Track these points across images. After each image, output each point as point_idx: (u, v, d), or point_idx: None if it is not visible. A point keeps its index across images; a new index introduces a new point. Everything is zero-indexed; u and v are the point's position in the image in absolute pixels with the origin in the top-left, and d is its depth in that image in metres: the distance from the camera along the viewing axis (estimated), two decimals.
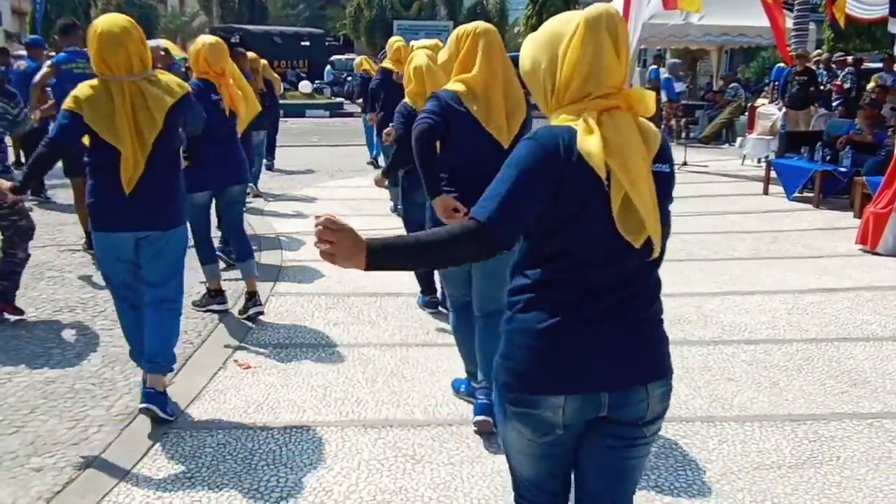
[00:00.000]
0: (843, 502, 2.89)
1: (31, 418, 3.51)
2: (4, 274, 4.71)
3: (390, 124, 6.74)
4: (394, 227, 6.60)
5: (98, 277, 5.53)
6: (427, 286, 5.01)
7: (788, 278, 5.82)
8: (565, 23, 1.71)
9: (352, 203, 8.56)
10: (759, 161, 11.57)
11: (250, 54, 8.31)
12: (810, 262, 6.30)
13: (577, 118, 1.67)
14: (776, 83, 13.32)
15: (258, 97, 6.23)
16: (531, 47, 1.77)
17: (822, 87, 12.62)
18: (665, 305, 1.81)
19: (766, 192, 9.51)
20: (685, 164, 11.42)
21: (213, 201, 4.94)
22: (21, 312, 4.80)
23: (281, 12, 44.68)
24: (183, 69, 8.86)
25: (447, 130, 3.18)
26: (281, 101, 11.10)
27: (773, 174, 9.47)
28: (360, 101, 11.68)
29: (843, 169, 8.51)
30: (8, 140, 5.45)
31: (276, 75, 10.51)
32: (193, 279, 4.94)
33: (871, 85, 11.66)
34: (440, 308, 4.89)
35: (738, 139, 13.74)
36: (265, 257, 6.35)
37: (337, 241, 1.55)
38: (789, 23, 12.08)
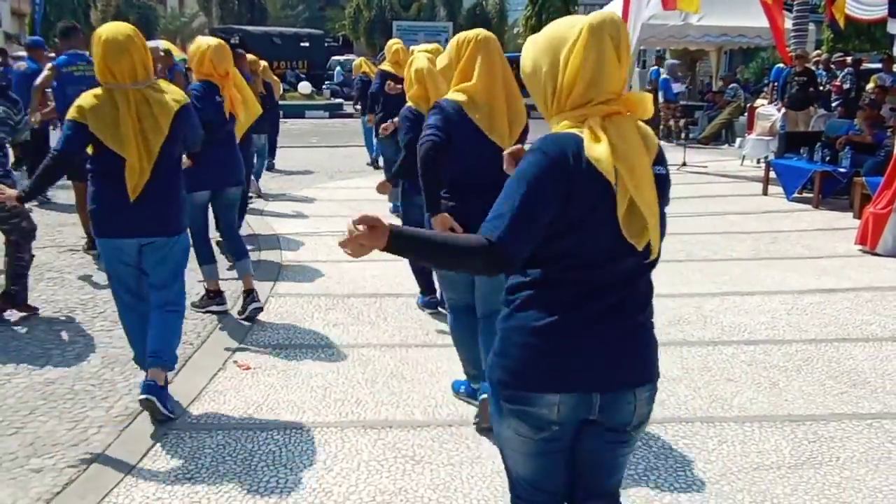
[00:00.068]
0: (843, 503, 2.89)
1: (31, 419, 3.51)
2: (16, 278, 4.78)
3: (390, 119, 6.83)
4: None
5: (98, 278, 5.55)
6: (427, 286, 5.01)
7: (788, 279, 5.82)
8: (568, 28, 1.72)
9: (351, 204, 8.56)
10: (758, 162, 11.57)
11: (250, 56, 8.30)
12: (810, 263, 6.31)
13: (579, 125, 1.68)
14: (775, 84, 13.33)
15: (258, 100, 6.22)
16: (533, 50, 1.77)
17: (821, 88, 12.63)
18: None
19: (765, 193, 9.51)
20: (684, 164, 11.43)
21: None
22: (35, 310, 4.87)
23: (280, 13, 44.67)
24: (184, 70, 8.85)
25: (450, 142, 3.20)
26: (280, 102, 11.09)
27: (772, 175, 9.48)
28: (359, 105, 11.66)
29: (842, 169, 8.51)
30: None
31: (275, 78, 10.50)
32: (192, 279, 4.93)
33: (870, 85, 11.68)
34: (440, 308, 4.89)
35: (738, 140, 13.75)
36: (265, 257, 6.35)
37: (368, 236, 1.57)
38: (788, 23, 12.09)
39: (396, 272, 5.54)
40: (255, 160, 8.32)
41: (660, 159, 1.76)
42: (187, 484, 2.98)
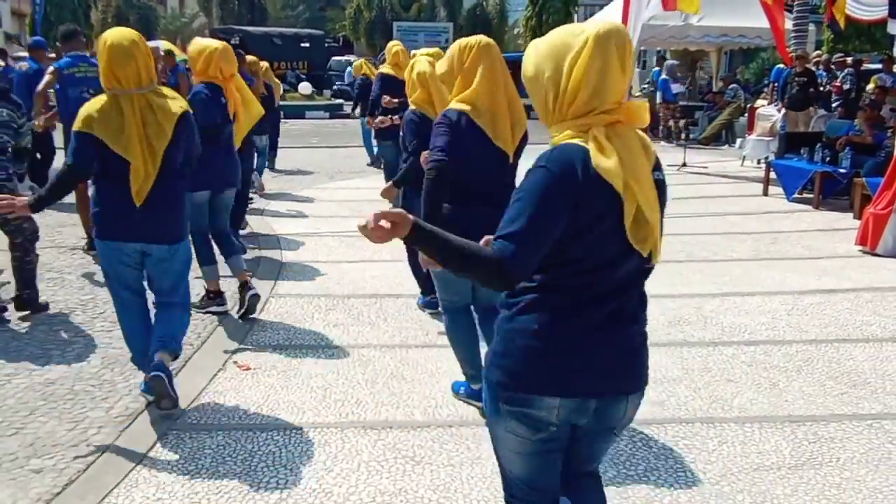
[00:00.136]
0: (843, 503, 2.89)
1: (31, 420, 3.51)
2: (27, 282, 4.83)
3: (389, 117, 6.87)
4: None
5: (98, 278, 5.54)
6: (427, 287, 5.01)
7: (788, 279, 5.82)
8: (574, 35, 1.72)
9: (351, 204, 8.57)
10: (758, 162, 11.57)
11: (250, 57, 8.29)
12: (810, 264, 6.30)
13: (582, 134, 1.69)
14: (776, 84, 13.34)
15: (259, 101, 6.22)
16: (535, 55, 1.77)
17: (821, 89, 12.62)
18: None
19: (765, 194, 9.51)
20: (685, 165, 11.43)
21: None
22: (46, 308, 4.91)
23: (280, 13, 44.68)
24: (185, 70, 8.85)
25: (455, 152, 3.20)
26: (280, 103, 11.09)
27: (772, 175, 9.48)
28: (359, 106, 11.66)
29: (842, 170, 8.51)
30: None
31: (276, 80, 10.48)
32: (192, 279, 4.93)
33: (870, 86, 11.68)
34: (440, 309, 4.88)
35: (738, 140, 13.75)
36: (265, 258, 6.35)
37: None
38: (789, 24, 12.09)
39: (396, 273, 5.54)
40: (255, 160, 8.31)
41: (657, 165, 1.80)
42: (187, 484, 2.98)
